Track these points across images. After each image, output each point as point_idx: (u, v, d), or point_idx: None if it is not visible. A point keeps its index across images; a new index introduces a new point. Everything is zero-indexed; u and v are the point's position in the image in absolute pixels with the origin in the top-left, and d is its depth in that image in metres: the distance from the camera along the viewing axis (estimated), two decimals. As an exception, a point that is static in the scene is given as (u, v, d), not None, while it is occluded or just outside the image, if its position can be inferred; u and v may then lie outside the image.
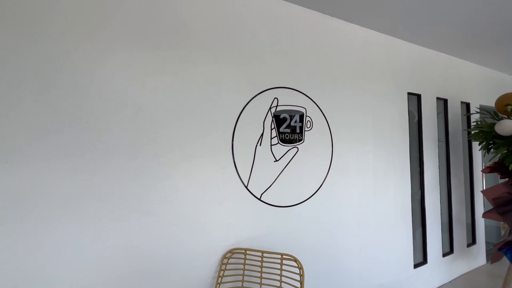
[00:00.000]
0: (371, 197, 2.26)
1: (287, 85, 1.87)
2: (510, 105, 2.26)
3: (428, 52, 2.75)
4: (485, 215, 2.48)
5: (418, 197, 2.69)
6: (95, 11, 1.30)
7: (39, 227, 1.16)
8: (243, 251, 1.57)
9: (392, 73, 2.46)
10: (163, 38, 1.45)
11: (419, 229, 2.68)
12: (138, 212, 1.38)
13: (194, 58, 1.54)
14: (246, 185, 1.68)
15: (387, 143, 2.39)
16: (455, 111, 3.03)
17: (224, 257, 1.56)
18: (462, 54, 2.95)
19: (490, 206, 2.38)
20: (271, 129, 1.79)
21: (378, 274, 2.26)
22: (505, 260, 2.41)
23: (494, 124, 2.29)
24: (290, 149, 1.86)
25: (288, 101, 1.87)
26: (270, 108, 1.79)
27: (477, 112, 2.65)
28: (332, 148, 2.05)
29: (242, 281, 1.52)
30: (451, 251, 2.87)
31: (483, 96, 3.33)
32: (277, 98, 1.82)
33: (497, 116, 2.39)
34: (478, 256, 3.11)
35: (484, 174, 3.27)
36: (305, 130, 1.93)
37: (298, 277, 1.40)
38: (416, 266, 2.56)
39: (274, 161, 1.80)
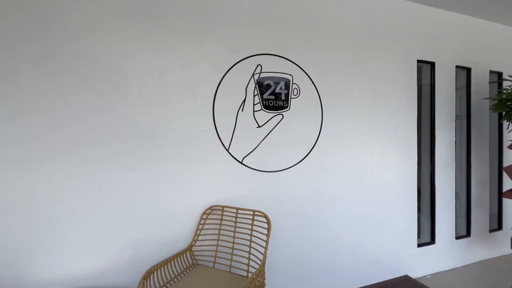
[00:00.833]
0: (367, 170, 2.18)
1: (272, 51, 1.87)
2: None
3: (445, 15, 2.48)
4: (506, 194, 2.23)
5: (427, 175, 2.51)
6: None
7: (43, 172, 1.40)
8: (221, 208, 1.68)
9: (398, 38, 2.28)
10: (145, 10, 1.57)
11: (428, 208, 2.51)
12: (125, 167, 1.55)
13: (175, 26, 1.63)
14: (227, 148, 1.77)
15: (389, 115, 2.25)
16: (481, 82, 2.70)
17: (204, 213, 1.68)
18: (491, 15, 2.59)
19: None
20: (254, 96, 1.83)
21: (373, 248, 2.20)
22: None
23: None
24: (274, 115, 1.88)
25: (273, 68, 1.88)
26: (253, 75, 1.83)
27: (505, 80, 2.33)
28: (322, 116, 2.02)
29: (219, 234, 1.64)
30: (467, 234, 2.64)
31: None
32: (260, 65, 1.84)
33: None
34: (503, 243, 2.80)
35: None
36: (291, 98, 1.93)
37: (265, 231, 1.46)
38: (421, 245, 2.42)
39: (257, 127, 1.84)
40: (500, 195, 2.82)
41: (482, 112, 2.71)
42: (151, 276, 1.32)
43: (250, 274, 1.53)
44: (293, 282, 1.95)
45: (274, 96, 1.88)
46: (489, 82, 2.67)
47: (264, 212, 1.57)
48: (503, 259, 2.74)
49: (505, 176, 2.80)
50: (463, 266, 2.59)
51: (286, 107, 1.92)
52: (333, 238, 2.07)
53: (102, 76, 1.50)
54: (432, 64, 2.47)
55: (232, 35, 1.77)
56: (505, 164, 2.80)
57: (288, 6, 1.92)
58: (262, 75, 1.85)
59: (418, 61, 2.39)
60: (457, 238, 2.57)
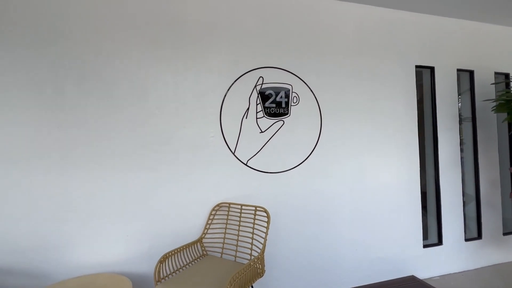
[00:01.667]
0: (367, 170, 2.29)
1: (273, 64, 2.09)
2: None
3: (443, 21, 2.57)
4: (512, 194, 2.23)
5: (432, 176, 2.56)
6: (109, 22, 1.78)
7: (79, 174, 1.70)
8: (227, 204, 1.88)
9: (395, 46, 2.41)
10: (162, 36, 1.86)
11: (434, 209, 2.54)
12: (145, 169, 1.82)
13: (186, 46, 1.91)
14: (233, 151, 1.98)
15: (388, 118, 2.36)
16: (486, 84, 2.72)
17: (212, 209, 1.89)
18: (491, 18, 2.63)
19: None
20: (257, 104, 2.05)
21: (375, 247, 2.28)
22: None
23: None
24: (275, 121, 2.08)
25: (273, 79, 2.09)
26: (255, 86, 2.05)
27: (507, 81, 2.36)
28: (321, 121, 2.18)
29: (225, 228, 1.84)
30: (479, 236, 2.62)
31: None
32: (262, 77, 2.06)
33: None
34: (519, 247, 2.73)
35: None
36: (291, 105, 2.12)
37: (266, 224, 1.64)
38: (427, 246, 2.45)
39: (260, 132, 2.05)
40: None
41: (489, 113, 2.72)
42: (166, 261, 1.54)
43: (253, 264, 1.70)
44: (295, 277, 2.08)
45: (275, 104, 2.08)
46: (492, 84, 2.69)
47: (266, 208, 1.75)
48: (520, 263, 2.66)
49: (517, 177, 2.76)
50: (474, 269, 2.56)
51: (287, 113, 2.11)
52: (334, 235, 2.18)
53: (127, 93, 1.79)
54: (431, 69, 2.56)
55: (236, 51, 2.01)
56: (517, 165, 2.76)
57: (287, 22, 2.13)
58: (264, 85, 2.07)
59: (417, 66, 2.49)
60: (466, 240, 2.56)
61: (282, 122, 2.10)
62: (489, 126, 2.72)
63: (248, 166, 2.01)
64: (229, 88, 1.99)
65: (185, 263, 1.67)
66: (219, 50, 1.97)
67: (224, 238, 1.82)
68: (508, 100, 2.24)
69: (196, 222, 1.89)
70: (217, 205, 1.91)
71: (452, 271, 2.50)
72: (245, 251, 1.78)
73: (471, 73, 2.70)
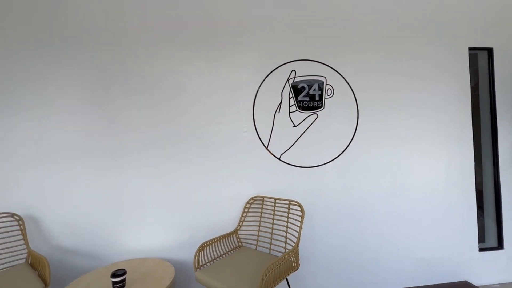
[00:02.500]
0: (411, 166, 2.12)
1: (305, 57, 2.05)
2: None
3: (504, -5, 2.25)
4: None
5: (491, 173, 2.27)
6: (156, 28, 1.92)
7: (127, 168, 1.88)
8: (262, 198, 1.91)
9: (442, 27, 2.17)
10: (196, 36, 1.95)
11: (492, 209, 2.26)
12: (185, 164, 1.93)
13: (218, 43, 1.97)
14: (266, 146, 2.00)
15: (435, 110, 2.15)
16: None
17: (247, 202, 1.94)
18: None
19: None
20: (289, 98, 2.03)
21: (420, 248, 2.11)
22: None
23: None
24: (309, 115, 2.04)
25: (306, 71, 2.04)
26: (288, 80, 2.03)
27: None
28: (358, 114, 2.08)
29: (260, 221, 1.87)
30: (551, 242, 2.26)
31: None
32: (294, 70, 2.04)
33: None
34: None
35: None
36: (325, 98, 2.06)
37: (300, 218, 1.63)
38: (484, 249, 2.19)
39: (293, 127, 2.03)
40: None
41: None
42: (204, 250, 1.63)
43: (287, 258, 1.70)
44: (331, 274, 2.03)
45: (308, 98, 2.04)
46: None
47: (300, 202, 1.74)
48: None
49: None
50: (545, 279, 2.22)
51: (321, 107, 2.05)
52: (373, 233, 2.07)
53: (166, 92, 1.92)
54: (489, 50, 2.26)
55: (267, 46, 2.01)
56: None
57: (318, 11, 2.07)
58: (296, 79, 2.04)
59: (470, 48, 2.22)
60: (534, 245, 2.23)
61: (316, 115, 2.05)
62: None
63: (281, 160, 2.01)
64: (261, 83, 2.00)
65: (221, 253, 1.74)
66: (250, 46, 2.00)
67: (259, 231, 1.86)
68: None
69: (230, 215, 1.95)
70: (252, 198, 1.95)
71: (515, 280, 2.20)
72: (279, 244, 1.79)
73: (541, 52, 2.31)
